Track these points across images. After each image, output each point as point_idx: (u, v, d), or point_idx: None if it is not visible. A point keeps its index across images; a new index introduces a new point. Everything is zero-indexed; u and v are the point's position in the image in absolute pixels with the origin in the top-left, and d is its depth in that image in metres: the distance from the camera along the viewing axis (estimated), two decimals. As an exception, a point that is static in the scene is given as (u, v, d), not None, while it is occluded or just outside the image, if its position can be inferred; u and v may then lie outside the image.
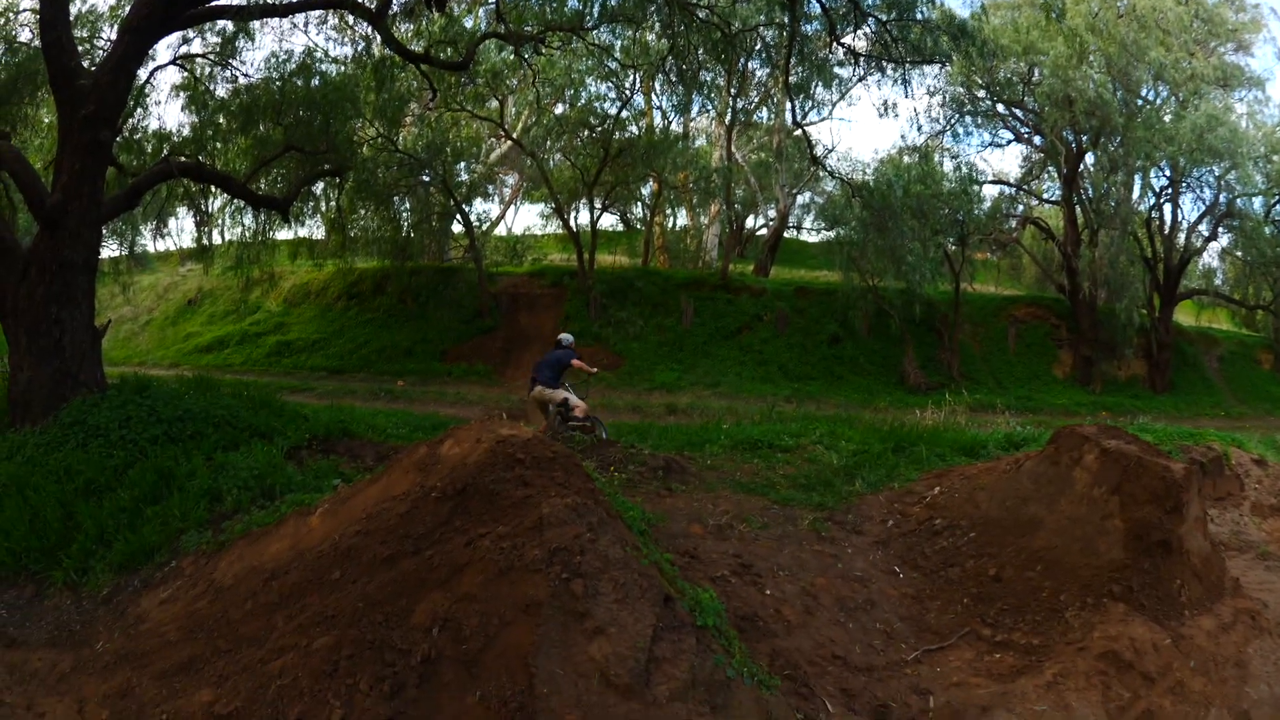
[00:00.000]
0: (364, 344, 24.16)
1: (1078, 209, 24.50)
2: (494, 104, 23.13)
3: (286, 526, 5.82)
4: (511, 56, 18.58)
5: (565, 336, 12.71)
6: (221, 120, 16.06)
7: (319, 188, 20.66)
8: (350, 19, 14.17)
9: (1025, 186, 27.38)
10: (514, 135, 23.68)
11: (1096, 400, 22.45)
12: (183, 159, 14.93)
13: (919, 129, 26.62)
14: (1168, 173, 24.45)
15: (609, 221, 35.66)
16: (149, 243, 25.28)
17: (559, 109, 22.11)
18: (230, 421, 9.77)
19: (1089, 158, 24.27)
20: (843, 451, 10.11)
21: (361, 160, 18.95)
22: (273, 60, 15.63)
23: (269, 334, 25.41)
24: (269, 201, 15.81)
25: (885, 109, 25.65)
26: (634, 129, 23.96)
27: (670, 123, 25.51)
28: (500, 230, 34.44)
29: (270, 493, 7.75)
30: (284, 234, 23.83)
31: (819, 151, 20.91)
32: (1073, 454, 6.91)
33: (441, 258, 26.56)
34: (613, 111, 22.12)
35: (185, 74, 16.20)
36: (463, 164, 23.99)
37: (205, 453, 8.78)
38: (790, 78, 16.35)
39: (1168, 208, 25.24)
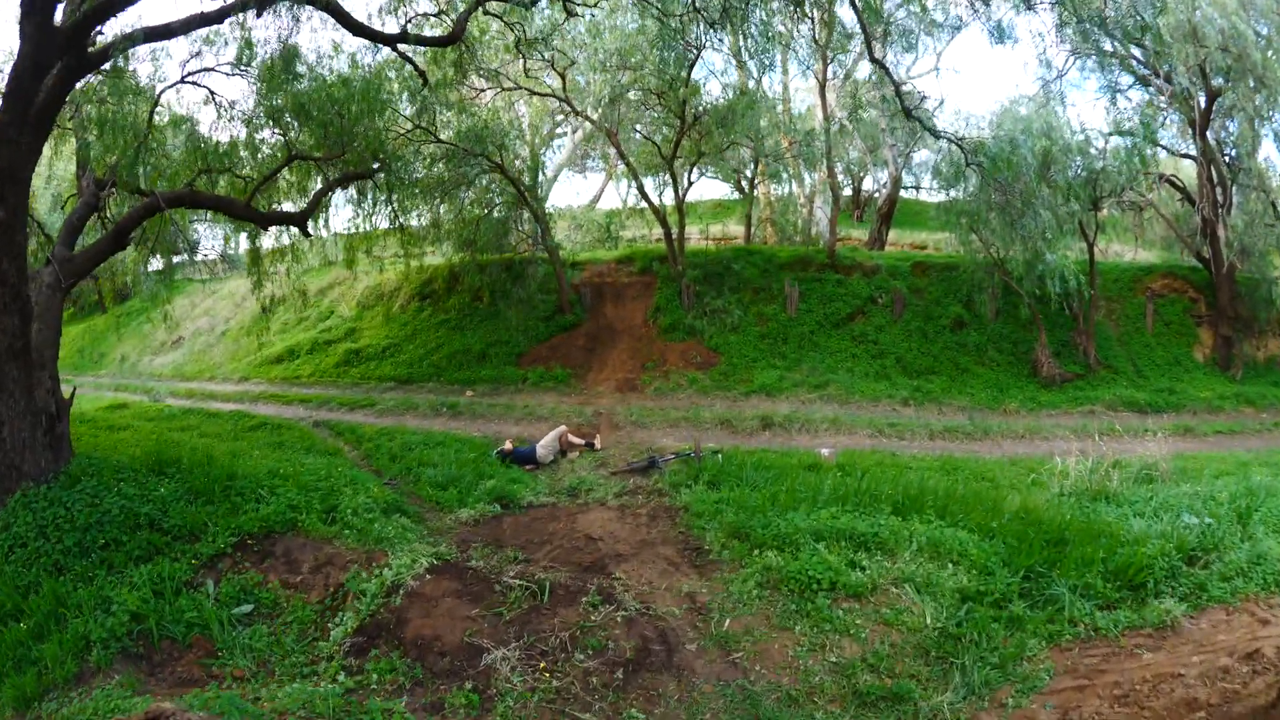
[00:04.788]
0: (435, 349, 22.29)
1: (1210, 165, 20.54)
2: (554, 81, 20.45)
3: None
4: (563, 20, 15.98)
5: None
6: (219, 138, 14.19)
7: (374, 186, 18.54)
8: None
9: (1150, 138, 22.80)
10: (583, 111, 20.95)
11: (1239, 391, 19.39)
12: (189, 187, 13.09)
13: (1046, 67, 22.30)
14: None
15: (723, 190, 32.75)
16: (239, 245, 23.63)
17: (622, 76, 19.16)
18: (155, 520, 8.23)
19: (1219, 103, 20.08)
20: (944, 592, 6.94)
21: (396, 157, 16.70)
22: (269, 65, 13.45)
23: (339, 341, 23.96)
24: (282, 219, 13.96)
25: (998, 36, 19.10)
26: (710, 94, 20.91)
27: (757, 82, 22.00)
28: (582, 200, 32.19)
29: (148, 640, 6.66)
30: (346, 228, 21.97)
31: (916, 103, 17.13)
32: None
33: (517, 249, 24.29)
34: (682, 74, 18.92)
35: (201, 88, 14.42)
36: (524, 147, 21.56)
37: (119, 566, 7.59)
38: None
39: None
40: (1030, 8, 14.51)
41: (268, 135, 13.93)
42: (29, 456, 8.82)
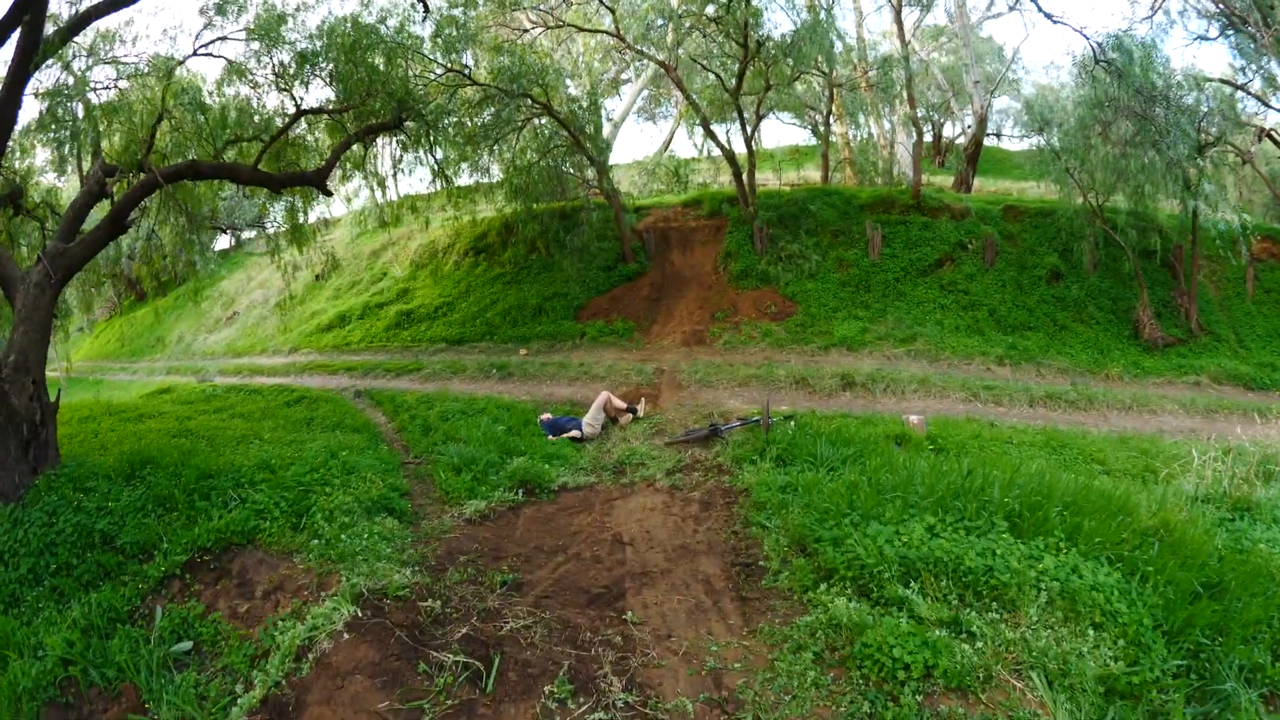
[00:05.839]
0: (489, 305, 21.05)
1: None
2: (608, 21, 18.54)
3: None
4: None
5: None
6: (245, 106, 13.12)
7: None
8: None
9: (1247, 89, 19.59)
10: (636, 46, 18.98)
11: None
12: (194, 159, 12.09)
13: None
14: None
15: (799, 137, 30.68)
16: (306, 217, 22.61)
17: (673, 1, 17.18)
18: (109, 537, 7.20)
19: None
20: (1084, 682, 4.43)
21: (429, 106, 15.18)
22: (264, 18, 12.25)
23: (391, 304, 22.97)
24: (295, 179, 12.77)
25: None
26: (776, 25, 18.77)
27: (827, 11, 19.43)
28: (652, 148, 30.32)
29: (77, 688, 5.72)
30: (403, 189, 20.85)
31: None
32: None
33: (577, 195, 22.63)
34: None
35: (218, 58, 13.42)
36: (578, 88, 19.82)
37: (68, 594, 6.70)
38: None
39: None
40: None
41: (277, 96, 12.83)
42: (2, 475, 8.16)
